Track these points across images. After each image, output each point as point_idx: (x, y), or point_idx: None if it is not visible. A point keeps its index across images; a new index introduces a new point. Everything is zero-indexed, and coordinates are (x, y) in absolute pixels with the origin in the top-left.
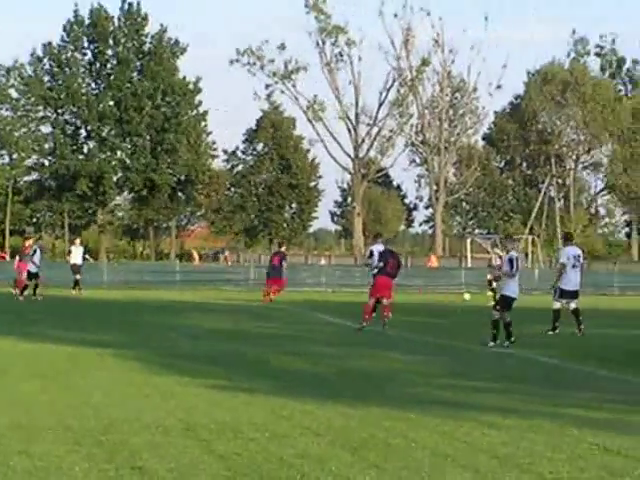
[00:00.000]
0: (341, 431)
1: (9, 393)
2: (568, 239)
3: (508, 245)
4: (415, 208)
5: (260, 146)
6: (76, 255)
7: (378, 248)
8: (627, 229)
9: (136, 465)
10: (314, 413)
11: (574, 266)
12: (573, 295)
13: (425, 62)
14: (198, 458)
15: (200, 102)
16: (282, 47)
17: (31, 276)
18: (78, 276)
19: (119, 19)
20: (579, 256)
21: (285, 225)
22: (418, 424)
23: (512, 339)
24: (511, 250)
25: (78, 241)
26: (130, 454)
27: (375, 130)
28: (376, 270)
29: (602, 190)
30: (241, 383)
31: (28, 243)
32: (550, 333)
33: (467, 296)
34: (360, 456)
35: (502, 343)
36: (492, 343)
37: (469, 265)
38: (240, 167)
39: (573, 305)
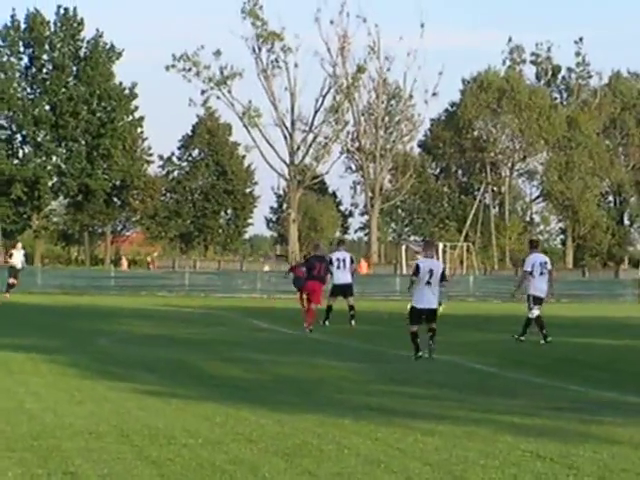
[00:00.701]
0: (274, 437)
1: None
2: (534, 246)
3: (426, 250)
4: (351, 215)
5: (196, 152)
6: (17, 258)
7: (338, 255)
8: (562, 236)
9: (69, 470)
10: (247, 419)
11: (541, 273)
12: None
13: (361, 69)
14: (131, 464)
15: (136, 107)
16: (218, 53)
17: None
18: (12, 280)
19: (55, 24)
20: (546, 263)
21: (220, 231)
22: (351, 430)
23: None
24: (427, 256)
25: (20, 245)
26: (63, 459)
27: (311, 137)
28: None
29: (537, 198)
30: (175, 389)
31: None
32: (542, 342)
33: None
34: (293, 462)
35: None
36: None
37: (404, 272)
38: (176, 173)
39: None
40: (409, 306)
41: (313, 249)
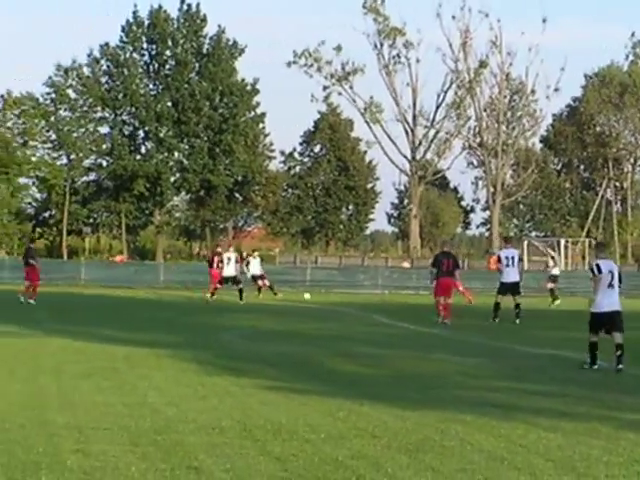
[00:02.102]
0: (397, 433)
1: (65, 392)
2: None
3: (600, 251)
4: (472, 210)
5: (317, 148)
6: (255, 265)
7: (506, 253)
8: None
9: (192, 465)
10: (370, 415)
11: None
12: None
13: (483, 64)
14: (254, 459)
15: (258, 103)
16: (339, 49)
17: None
18: (241, 285)
19: (178, 20)
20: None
21: (342, 226)
22: (473, 426)
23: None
24: (600, 257)
25: (257, 253)
26: (186, 454)
27: (432, 132)
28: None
29: None
30: (297, 384)
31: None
32: None
33: (307, 295)
34: (416, 458)
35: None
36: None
37: (525, 268)
38: (297, 168)
39: None
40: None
41: (441, 246)
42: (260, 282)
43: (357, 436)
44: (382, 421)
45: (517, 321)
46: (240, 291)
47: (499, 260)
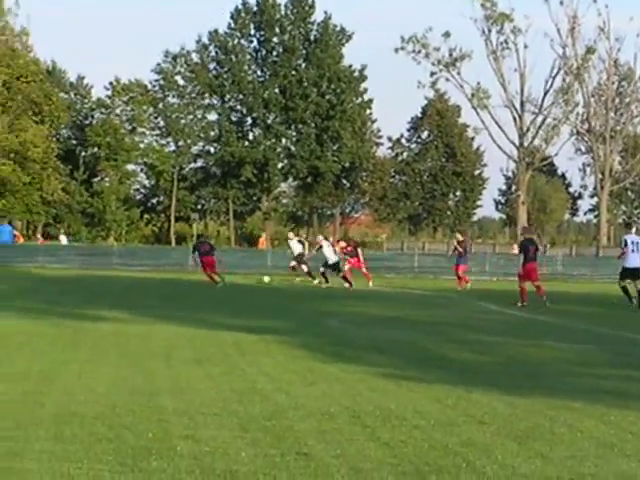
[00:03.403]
0: (506, 420)
1: (175, 378)
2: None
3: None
4: (580, 197)
5: (425, 134)
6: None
7: (632, 238)
8: None
9: (302, 451)
10: (479, 401)
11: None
12: None
13: (591, 50)
14: (364, 445)
15: (365, 90)
16: (447, 35)
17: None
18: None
19: (286, 7)
20: None
21: (449, 213)
22: (583, 413)
23: None
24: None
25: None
26: (296, 440)
27: (540, 118)
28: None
29: None
30: (405, 371)
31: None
32: None
33: (266, 278)
34: (525, 445)
35: None
36: None
37: None
38: (405, 155)
39: None
40: None
41: (523, 232)
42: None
43: (466, 423)
44: (491, 408)
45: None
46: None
47: (625, 244)
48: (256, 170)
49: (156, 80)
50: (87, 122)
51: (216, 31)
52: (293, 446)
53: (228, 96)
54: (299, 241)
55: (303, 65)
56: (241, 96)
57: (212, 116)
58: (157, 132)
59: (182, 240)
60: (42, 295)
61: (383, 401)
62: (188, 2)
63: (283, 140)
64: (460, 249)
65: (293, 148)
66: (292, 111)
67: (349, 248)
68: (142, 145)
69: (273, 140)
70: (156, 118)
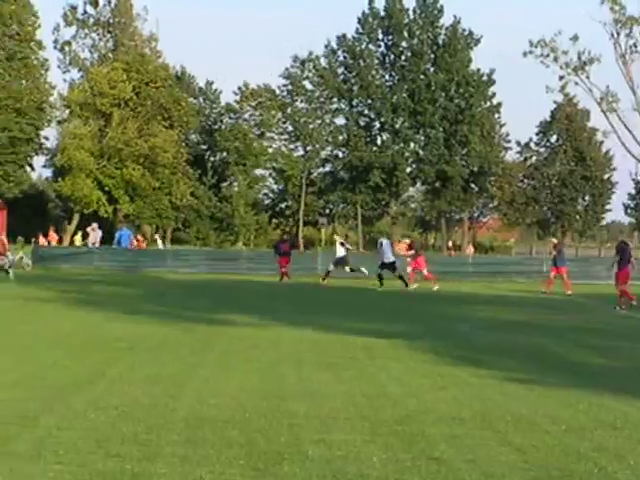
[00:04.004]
0: (638, 425)
1: (305, 382)
2: None
3: None
4: None
5: (554, 138)
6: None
7: None
8: None
9: (433, 456)
10: (611, 407)
11: None
12: None
13: None
14: (495, 449)
15: (493, 94)
16: (575, 38)
17: None
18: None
19: (414, 11)
20: None
21: (578, 217)
22: None
23: None
24: None
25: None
26: (427, 445)
27: None
28: None
29: None
30: (536, 375)
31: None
32: None
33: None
34: None
35: None
36: None
37: None
38: (534, 159)
39: None
40: None
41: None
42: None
43: (598, 428)
44: (623, 413)
45: None
46: (401, 277)
47: None
48: (384, 174)
49: (284, 85)
50: (216, 127)
51: (344, 36)
52: (424, 451)
53: (356, 100)
54: (341, 244)
55: (431, 69)
56: (369, 100)
57: (340, 120)
58: (285, 137)
59: (310, 244)
60: (172, 299)
61: (514, 406)
62: (317, 7)
63: (411, 144)
64: (554, 252)
65: (421, 152)
66: (420, 115)
67: (411, 248)
68: (270, 150)
69: (401, 144)
70: (284, 123)
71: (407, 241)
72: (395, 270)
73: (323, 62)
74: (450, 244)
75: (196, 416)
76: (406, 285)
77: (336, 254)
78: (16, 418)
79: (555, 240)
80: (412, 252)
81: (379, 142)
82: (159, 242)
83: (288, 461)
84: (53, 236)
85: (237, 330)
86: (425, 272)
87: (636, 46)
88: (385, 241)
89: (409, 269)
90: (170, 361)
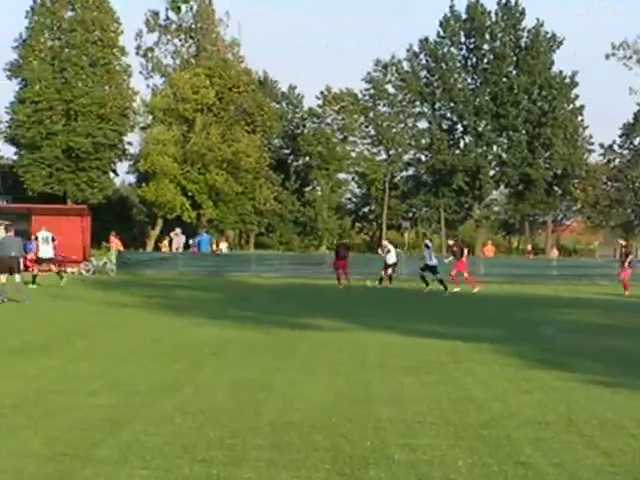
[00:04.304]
0: None
1: (390, 386)
2: None
3: None
4: None
5: (637, 140)
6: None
7: None
8: None
9: (519, 460)
10: None
11: None
12: None
13: None
14: (581, 453)
15: (576, 96)
16: None
17: None
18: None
19: (496, 14)
20: None
21: None
22: None
23: None
24: None
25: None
26: (512, 449)
27: None
28: None
29: None
30: (622, 379)
31: None
32: None
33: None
34: None
35: None
36: None
37: None
38: (617, 161)
39: None
40: None
41: None
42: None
43: None
44: None
45: None
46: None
47: None
48: (467, 178)
49: (367, 89)
50: (299, 131)
51: (426, 39)
52: (510, 455)
53: (439, 104)
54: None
55: (514, 72)
56: (452, 104)
57: (423, 124)
58: (368, 141)
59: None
60: (256, 304)
61: (599, 409)
62: (399, 11)
63: (494, 147)
64: (624, 255)
65: (504, 155)
66: (503, 118)
67: (455, 248)
68: (353, 154)
69: (484, 148)
70: (367, 127)
71: (451, 242)
72: (436, 274)
73: (405, 66)
74: (530, 247)
75: (282, 420)
76: (445, 289)
77: (389, 260)
78: (103, 423)
79: (624, 242)
80: (455, 251)
81: (462, 145)
82: (223, 246)
83: (373, 465)
84: (117, 242)
85: (322, 334)
86: (465, 275)
87: None
88: (430, 244)
89: (453, 272)
90: (255, 366)
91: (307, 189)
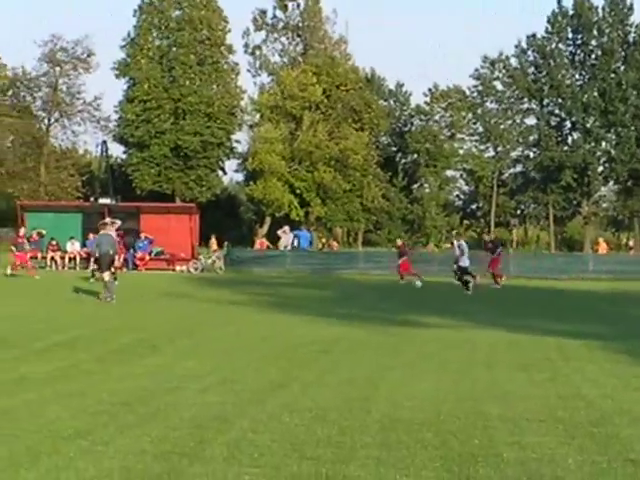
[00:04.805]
0: None
1: (499, 384)
2: None
3: None
4: None
5: None
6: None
7: None
8: None
9: (629, 458)
10: None
11: None
12: None
13: None
14: None
15: None
16: None
17: None
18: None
19: (603, 9)
20: None
21: None
22: None
23: None
24: None
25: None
26: (622, 447)
27: None
28: None
29: None
30: None
31: None
32: None
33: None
34: None
35: None
36: None
37: None
38: None
39: None
40: None
41: None
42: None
43: None
44: None
45: None
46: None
47: None
48: (576, 174)
49: (474, 86)
50: (406, 129)
51: (534, 35)
52: (620, 453)
53: (547, 100)
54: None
55: (622, 68)
56: (560, 100)
57: (531, 121)
58: (476, 138)
59: (502, 245)
60: (364, 301)
61: None
62: (506, 8)
63: (603, 144)
64: None
65: (613, 152)
66: (611, 114)
67: (489, 245)
68: (461, 151)
69: (593, 144)
70: (475, 124)
71: (487, 238)
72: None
73: (513, 62)
74: (631, 243)
75: (390, 418)
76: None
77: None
78: (212, 421)
79: None
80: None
81: (570, 142)
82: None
83: (482, 463)
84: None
85: (430, 332)
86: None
87: None
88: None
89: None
90: (364, 363)
91: (415, 186)
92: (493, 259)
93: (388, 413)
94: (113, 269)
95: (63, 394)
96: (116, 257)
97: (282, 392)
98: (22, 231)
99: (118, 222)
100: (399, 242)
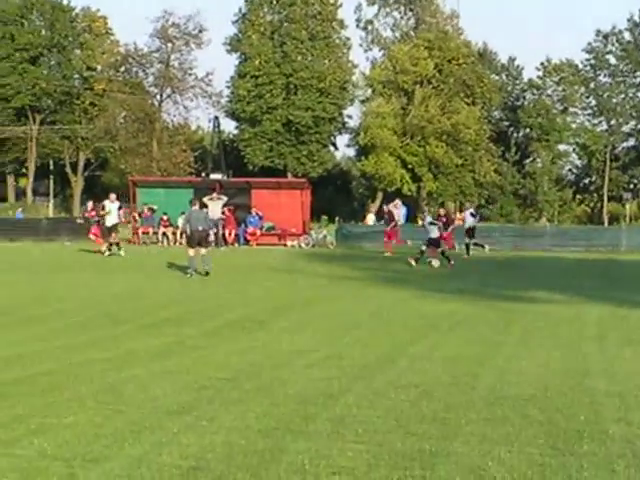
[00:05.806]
0: None
1: (608, 360)
2: None
3: None
4: None
5: None
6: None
7: None
8: None
9: None
10: None
11: None
12: None
13: None
14: None
15: None
16: None
17: None
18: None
19: None
20: None
21: None
22: None
23: None
24: None
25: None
26: None
27: None
28: None
29: None
30: None
31: None
32: None
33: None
34: None
35: None
36: None
37: None
38: None
39: None
40: None
41: None
42: None
43: None
44: None
45: None
46: None
47: None
48: None
49: (587, 60)
50: (518, 103)
51: None
52: None
53: None
54: (471, 214)
55: None
56: None
57: None
58: (589, 112)
59: (615, 220)
60: (475, 277)
61: None
62: None
63: None
64: None
65: None
66: None
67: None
68: (574, 125)
69: None
70: (587, 98)
71: (442, 212)
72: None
73: (627, 36)
74: None
75: (496, 395)
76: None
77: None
78: (317, 397)
79: None
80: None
81: None
82: (370, 217)
83: (588, 440)
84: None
85: (539, 307)
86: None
87: None
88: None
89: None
90: (472, 339)
91: (527, 161)
92: (445, 235)
93: (495, 389)
94: (206, 245)
95: (169, 370)
96: (211, 233)
97: (389, 368)
98: (90, 205)
99: (225, 198)
100: (442, 211)
